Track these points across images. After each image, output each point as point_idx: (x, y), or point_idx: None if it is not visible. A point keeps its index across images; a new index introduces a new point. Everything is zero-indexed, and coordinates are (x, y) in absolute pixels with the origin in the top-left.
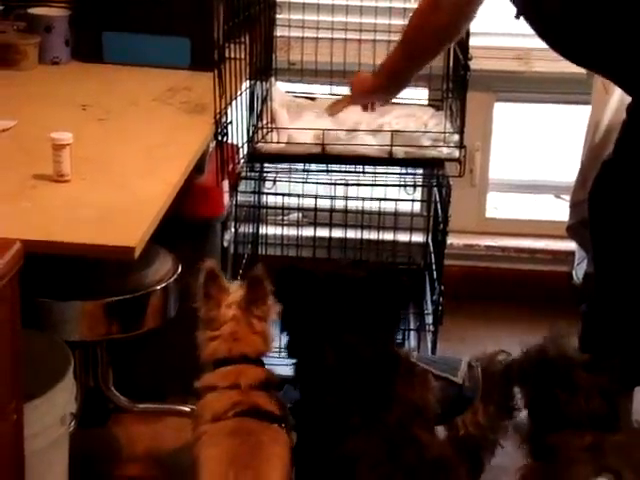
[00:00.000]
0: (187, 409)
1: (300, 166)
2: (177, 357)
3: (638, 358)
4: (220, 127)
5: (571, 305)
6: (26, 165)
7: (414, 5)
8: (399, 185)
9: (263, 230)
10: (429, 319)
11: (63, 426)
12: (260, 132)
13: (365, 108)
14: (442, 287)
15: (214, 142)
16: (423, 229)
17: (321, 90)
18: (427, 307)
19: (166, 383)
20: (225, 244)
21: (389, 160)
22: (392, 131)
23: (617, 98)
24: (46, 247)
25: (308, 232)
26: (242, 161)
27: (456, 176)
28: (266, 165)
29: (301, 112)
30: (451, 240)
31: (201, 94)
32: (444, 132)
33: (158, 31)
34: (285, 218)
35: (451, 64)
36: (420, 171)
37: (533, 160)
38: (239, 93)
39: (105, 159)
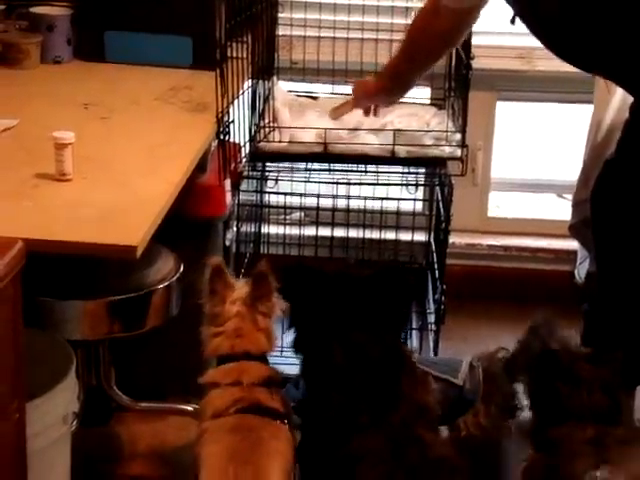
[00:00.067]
0: (189, 408)
1: (302, 165)
2: (179, 356)
3: None
4: (222, 126)
5: (573, 304)
6: (28, 164)
7: (416, 4)
8: (401, 184)
9: (265, 229)
10: (431, 318)
11: (65, 425)
12: (262, 131)
13: (367, 112)
14: (444, 286)
15: (216, 141)
16: (425, 228)
17: (323, 89)
18: (429, 306)
19: (168, 382)
20: (227, 243)
21: (391, 159)
22: (394, 130)
23: (619, 97)
24: (48, 246)
25: (310, 231)
26: (244, 160)
27: (458, 175)
28: (268, 164)
29: (303, 111)
30: (453, 239)
31: (203, 93)
32: (446, 131)
33: (160, 30)
34: (287, 217)
35: (453, 63)
36: (422, 170)
37: (535, 159)
38: (241, 92)
39: (107, 158)
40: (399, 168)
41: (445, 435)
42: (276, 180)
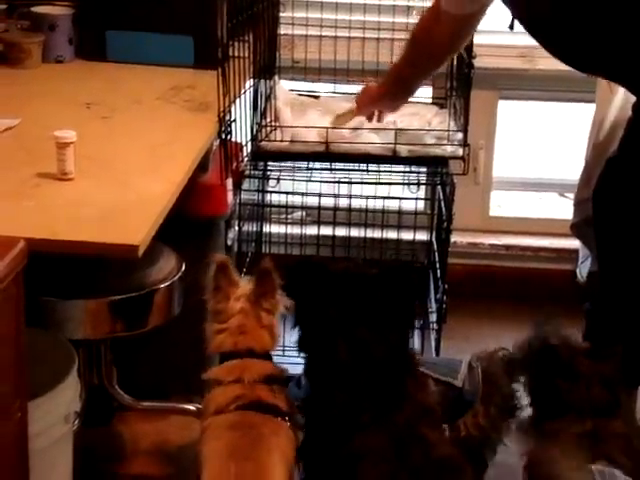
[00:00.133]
0: (191, 407)
1: (304, 164)
2: (181, 355)
3: None
4: (224, 125)
5: (575, 303)
6: (30, 163)
7: (418, 3)
8: (403, 183)
9: (267, 228)
10: (433, 317)
11: (67, 424)
12: (264, 130)
13: (370, 118)
14: (446, 285)
15: (218, 140)
16: (427, 227)
17: (325, 88)
18: (431, 305)
19: (170, 381)
20: (229, 242)
21: (393, 158)
22: (396, 129)
23: (621, 96)
24: (50, 246)
25: (312, 230)
26: (246, 159)
27: (460, 174)
28: (270, 163)
29: (305, 110)
30: (455, 238)
31: (205, 92)
32: (448, 130)
33: (161, 29)
34: (289, 216)
35: (455, 62)
36: (424, 169)
37: (537, 158)
38: (243, 91)
39: (109, 157)
40: (401, 167)
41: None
42: (278, 179)
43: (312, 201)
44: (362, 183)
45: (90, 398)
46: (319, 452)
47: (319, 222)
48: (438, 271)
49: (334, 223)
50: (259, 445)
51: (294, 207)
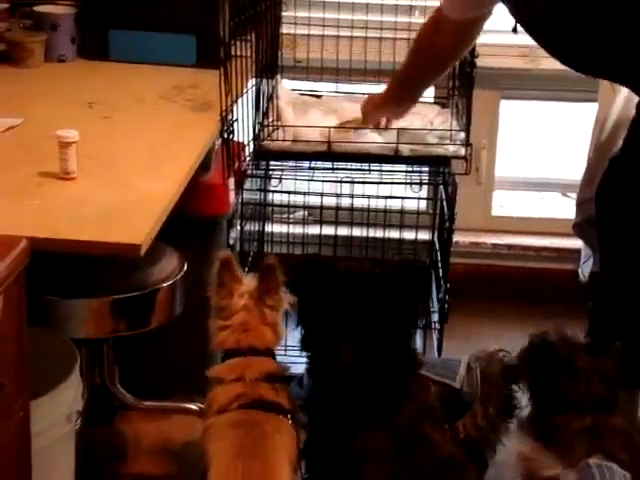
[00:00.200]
0: (193, 407)
1: (306, 164)
2: (183, 355)
3: None
4: (226, 125)
5: (577, 303)
6: (32, 163)
7: (420, 3)
8: (405, 183)
9: (269, 228)
10: (435, 317)
11: (69, 424)
12: (266, 130)
13: (377, 127)
14: (448, 285)
15: (220, 140)
16: (429, 227)
17: (327, 88)
18: (433, 305)
19: (172, 380)
20: (231, 242)
21: (395, 158)
22: (398, 129)
23: (624, 96)
24: (52, 245)
25: (314, 230)
26: (248, 159)
27: (462, 174)
28: (272, 163)
29: (307, 110)
30: (457, 238)
31: (207, 92)
32: (450, 130)
33: (164, 29)
34: (291, 216)
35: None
36: (426, 169)
37: (539, 158)
38: (245, 91)
39: (111, 157)
40: (403, 167)
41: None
42: (280, 179)
43: (314, 200)
44: (364, 182)
45: (92, 397)
46: (322, 451)
47: (321, 221)
48: (440, 270)
49: (336, 222)
50: (264, 443)
51: (296, 206)
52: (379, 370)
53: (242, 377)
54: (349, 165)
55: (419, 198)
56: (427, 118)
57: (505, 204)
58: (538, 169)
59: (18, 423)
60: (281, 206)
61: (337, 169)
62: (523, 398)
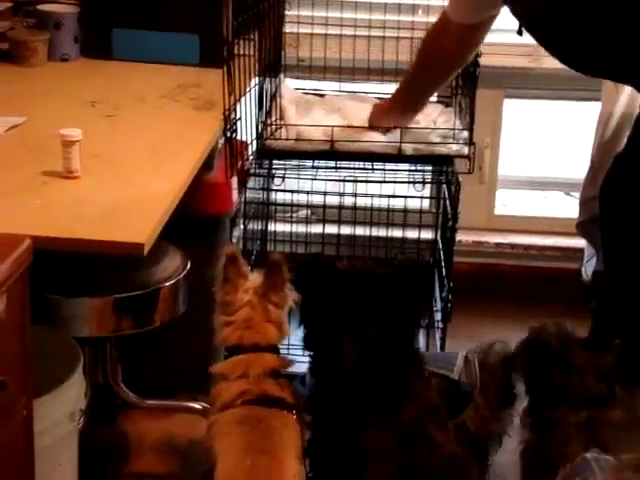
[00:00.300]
0: (196, 405)
1: (309, 163)
2: (186, 353)
3: None
4: (229, 124)
5: (580, 302)
6: (35, 162)
7: (424, 2)
8: (408, 182)
9: (272, 227)
10: (438, 316)
11: (72, 422)
12: (269, 129)
13: (385, 134)
14: (451, 284)
15: (223, 139)
16: (432, 226)
17: (330, 87)
18: (436, 304)
19: (175, 379)
20: (234, 241)
21: (398, 157)
22: (401, 128)
23: (627, 94)
24: (56, 243)
25: (317, 229)
26: (251, 158)
27: (465, 173)
28: (275, 162)
29: (310, 109)
30: (460, 237)
31: (210, 91)
32: (453, 129)
33: (167, 28)
34: (294, 215)
35: None
36: (429, 168)
37: (542, 157)
38: (248, 90)
39: (114, 156)
40: (406, 166)
41: (452, 432)
42: (283, 178)
43: (317, 199)
44: (367, 181)
45: (95, 396)
46: (325, 450)
47: (324, 220)
48: (443, 269)
49: (339, 221)
50: (271, 438)
51: (299, 205)
52: (382, 369)
53: (246, 374)
54: (352, 164)
55: (422, 197)
56: (430, 117)
57: (508, 203)
58: (541, 168)
59: (21, 422)
60: (284, 205)
61: (340, 168)
62: (522, 388)
